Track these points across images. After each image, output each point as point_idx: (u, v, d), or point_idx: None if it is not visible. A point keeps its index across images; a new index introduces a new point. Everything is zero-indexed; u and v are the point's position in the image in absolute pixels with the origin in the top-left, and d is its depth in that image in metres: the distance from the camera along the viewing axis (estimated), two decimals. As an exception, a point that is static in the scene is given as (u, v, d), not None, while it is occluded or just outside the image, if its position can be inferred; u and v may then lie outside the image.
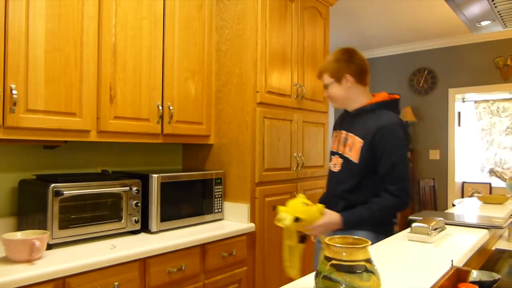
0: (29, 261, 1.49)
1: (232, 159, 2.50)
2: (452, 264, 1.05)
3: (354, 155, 1.77)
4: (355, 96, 1.83)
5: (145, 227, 2.08)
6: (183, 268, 1.94)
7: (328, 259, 0.82)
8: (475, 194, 5.50)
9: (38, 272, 1.41)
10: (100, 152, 2.34)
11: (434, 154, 5.49)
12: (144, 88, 2.14)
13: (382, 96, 1.84)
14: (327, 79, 1.86)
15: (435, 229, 1.49)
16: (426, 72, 5.52)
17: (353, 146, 1.79)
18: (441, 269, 1.13)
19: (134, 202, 2.01)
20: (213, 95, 2.58)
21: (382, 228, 1.78)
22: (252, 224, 2.37)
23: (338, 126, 1.98)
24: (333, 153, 1.93)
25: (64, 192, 1.72)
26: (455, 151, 5.34)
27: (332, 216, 1.66)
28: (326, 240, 0.84)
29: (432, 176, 5.43)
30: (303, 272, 1.42)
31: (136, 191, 2.02)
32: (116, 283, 1.65)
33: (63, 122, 1.80)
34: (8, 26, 1.61)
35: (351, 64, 1.81)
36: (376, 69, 5.95)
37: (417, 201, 5.57)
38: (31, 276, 1.39)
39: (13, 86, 1.62)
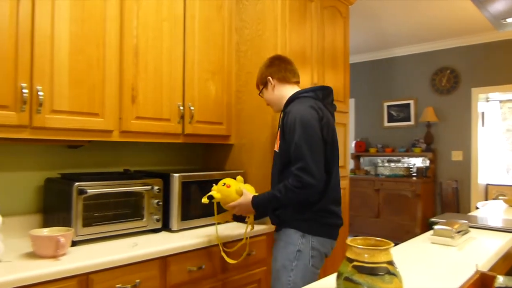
0: (54, 256, 1.53)
1: (252, 159, 2.51)
2: (477, 269, 1.03)
3: (276, 145, 1.90)
4: (283, 95, 1.93)
5: (166, 226, 2.11)
6: (203, 267, 1.95)
7: (350, 260, 0.82)
8: (500, 197, 5.36)
9: (63, 267, 1.45)
10: (122, 151, 2.38)
11: (457, 155, 5.37)
12: (165, 89, 2.16)
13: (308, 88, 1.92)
14: (259, 87, 2.04)
15: (459, 232, 1.46)
16: (448, 71, 5.42)
17: (276, 138, 1.91)
18: (465, 274, 1.11)
19: (156, 201, 2.04)
20: (233, 95, 2.59)
21: (312, 228, 1.76)
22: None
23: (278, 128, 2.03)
24: None
25: (88, 191, 1.76)
26: (478, 152, 5.22)
27: (246, 197, 1.81)
28: (348, 241, 0.83)
29: (455, 178, 5.32)
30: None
31: (158, 190, 2.05)
32: (137, 281, 1.68)
33: (86, 122, 1.84)
34: (35, 30, 1.66)
35: (271, 67, 1.97)
36: (397, 69, 5.87)
37: (439, 203, 5.47)
38: (57, 271, 1.43)
39: (39, 87, 1.67)
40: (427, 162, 5.57)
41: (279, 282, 1.78)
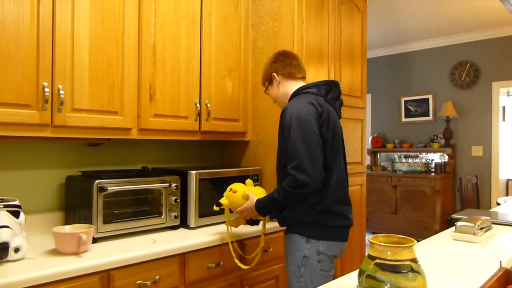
0: (76, 253, 1.56)
1: (268, 156, 2.51)
2: (500, 265, 1.01)
3: (277, 143, 1.86)
4: (288, 91, 1.90)
5: (184, 223, 2.12)
6: (221, 263, 1.96)
7: (371, 258, 0.81)
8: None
9: (85, 264, 1.47)
10: (140, 149, 2.40)
11: (477, 151, 5.27)
12: (182, 87, 2.17)
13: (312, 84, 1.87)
14: (265, 84, 2.01)
15: (481, 228, 1.43)
16: (468, 65, 5.31)
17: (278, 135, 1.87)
18: (488, 270, 1.09)
19: (174, 198, 2.06)
20: (250, 92, 2.59)
21: (316, 232, 1.70)
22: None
23: None
24: None
25: (108, 188, 1.78)
26: (499, 147, 5.11)
27: (251, 201, 1.80)
28: (370, 239, 0.82)
29: (474, 173, 5.22)
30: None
31: (175, 187, 2.06)
32: (157, 277, 1.70)
33: (106, 120, 1.86)
34: (55, 30, 1.68)
35: (275, 63, 1.93)
36: (416, 63, 5.78)
37: (458, 199, 5.38)
38: (79, 268, 1.45)
39: (60, 86, 1.69)
40: (446, 158, 5.47)
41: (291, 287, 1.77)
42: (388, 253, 0.78)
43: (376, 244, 0.79)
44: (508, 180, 5.32)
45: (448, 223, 5.26)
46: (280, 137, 1.81)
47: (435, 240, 1.53)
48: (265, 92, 2.02)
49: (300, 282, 1.70)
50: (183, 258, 1.83)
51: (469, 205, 4.48)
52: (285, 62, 1.92)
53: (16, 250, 1.45)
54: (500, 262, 1.02)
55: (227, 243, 1.99)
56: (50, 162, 2.02)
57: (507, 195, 5.28)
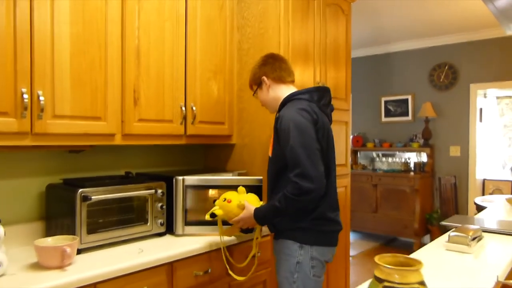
0: (60, 267, 1.49)
1: (254, 159, 2.48)
2: (497, 279, 1.01)
3: (270, 150, 1.84)
4: (279, 95, 1.86)
5: (170, 229, 2.07)
6: (209, 271, 1.93)
7: (379, 280, 0.79)
8: (506, 198, 5.39)
9: (70, 279, 1.41)
10: (123, 154, 2.33)
11: (455, 151, 5.39)
12: (167, 90, 2.12)
13: (303, 89, 1.85)
14: (253, 88, 1.97)
15: (473, 238, 1.44)
16: (446, 67, 5.41)
17: (271, 141, 1.84)
18: (485, 284, 1.09)
19: (159, 204, 2.00)
20: (235, 95, 2.55)
21: (309, 238, 1.71)
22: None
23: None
24: None
25: (92, 197, 1.72)
26: (476, 148, 5.24)
27: (248, 211, 1.76)
28: (376, 259, 0.81)
29: (452, 173, 5.34)
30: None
31: (161, 194, 2.01)
32: (145, 288, 1.65)
33: (89, 126, 1.79)
34: (34, 32, 1.60)
35: (265, 66, 1.89)
36: (396, 64, 5.86)
37: (437, 198, 5.49)
38: (64, 283, 1.39)
39: (40, 92, 1.61)
40: (425, 157, 5.57)
41: None
42: (396, 276, 0.76)
43: (383, 266, 0.78)
44: (484, 179, 5.47)
45: (426, 221, 5.37)
46: (276, 144, 1.77)
47: (428, 250, 1.53)
48: (253, 95, 1.99)
49: None
50: (170, 267, 1.78)
51: (447, 205, 4.57)
52: (274, 66, 1.89)
53: (-4, 265, 1.38)
54: (497, 276, 1.03)
55: (215, 250, 1.95)
56: (29, 170, 1.93)
57: (483, 194, 5.43)
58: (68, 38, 1.71)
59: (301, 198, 1.59)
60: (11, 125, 1.55)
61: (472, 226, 1.53)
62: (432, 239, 5.40)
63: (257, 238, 1.97)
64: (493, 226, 1.83)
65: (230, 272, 1.93)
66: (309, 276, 1.70)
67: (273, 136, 1.81)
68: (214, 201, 1.90)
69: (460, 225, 1.65)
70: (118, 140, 1.93)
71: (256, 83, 1.93)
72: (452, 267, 1.32)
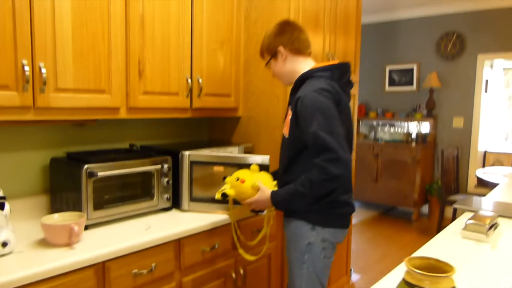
0: (68, 244, 1.48)
1: (260, 132, 2.43)
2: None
3: (286, 130, 1.72)
4: (296, 69, 1.74)
5: (176, 204, 2.05)
6: (216, 246, 1.93)
7: (409, 285, 0.76)
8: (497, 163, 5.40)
9: (80, 258, 1.40)
10: (126, 126, 2.28)
11: (458, 122, 5.34)
12: (173, 61, 2.04)
13: (323, 64, 1.71)
14: (266, 57, 1.82)
15: (491, 227, 1.41)
16: (454, 36, 5.27)
17: (286, 120, 1.73)
18: (508, 278, 1.07)
19: (166, 179, 1.97)
20: (241, 67, 2.47)
21: (322, 220, 1.65)
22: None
23: (288, 103, 1.84)
24: None
25: (98, 174, 1.68)
26: (480, 119, 5.19)
27: (264, 194, 1.68)
28: (406, 261, 0.78)
29: (454, 144, 5.32)
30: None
31: (167, 169, 1.98)
32: (153, 264, 1.64)
33: (93, 100, 1.73)
34: (33, 2, 1.50)
35: (282, 35, 1.74)
36: (401, 33, 5.70)
37: (437, 169, 5.50)
38: (74, 262, 1.38)
39: (41, 64, 1.54)
40: (428, 128, 5.53)
41: (292, 273, 1.74)
42: (427, 282, 0.73)
43: (414, 272, 0.74)
44: (485, 151, 5.46)
45: (426, 192, 5.40)
46: (294, 126, 1.66)
47: (444, 238, 1.49)
48: (265, 65, 1.84)
49: (303, 268, 1.68)
50: (178, 243, 1.77)
51: (448, 176, 4.58)
52: (292, 36, 1.73)
53: (4, 244, 1.36)
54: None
55: (222, 226, 1.95)
56: (32, 143, 1.88)
57: (483, 166, 5.44)
58: (69, 7, 1.61)
59: (329, 183, 1.51)
60: (13, 99, 1.49)
61: (488, 213, 1.50)
62: (430, 209, 5.46)
63: (268, 218, 1.95)
64: (506, 210, 1.80)
65: (241, 252, 1.93)
66: (319, 257, 1.67)
67: (291, 117, 1.68)
68: (224, 178, 1.84)
69: (472, 208, 1.63)
70: (123, 114, 1.87)
71: (270, 53, 1.78)
72: (470, 258, 1.30)
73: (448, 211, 4.97)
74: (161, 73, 1.99)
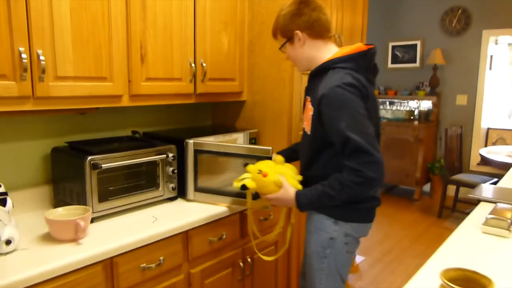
0: (74, 240, 1.43)
1: (266, 117, 2.36)
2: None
3: (307, 125, 1.58)
4: (315, 55, 1.57)
5: (180, 193, 2.00)
6: (224, 236, 1.89)
7: (449, 299, 0.72)
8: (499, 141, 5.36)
9: (88, 254, 1.35)
10: (128, 113, 2.20)
11: (462, 99, 5.27)
12: (176, 45, 1.95)
13: (347, 50, 1.53)
14: (280, 39, 1.63)
15: (513, 221, 1.36)
16: (460, 11, 5.13)
17: (307, 115, 1.59)
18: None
19: (171, 169, 1.92)
20: (246, 48, 2.37)
21: (346, 215, 1.55)
22: (288, 186, 2.28)
23: (305, 91, 1.70)
24: None
25: (103, 166, 1.62)
26: (483, 96, 5.12)
27: (287, 193, 1.55)
28: (441, 275, 0.73)
29: (457, 122, 5.27)
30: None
31: (172, 158, 1.92)
32: (161, 258, 1.61)
33: (94, 88, 1.65)
34: (28, -19, 1.41)
35: (300, 17, 1.54)
36: (406, 7, 5.54)
37: (439, 147, 5.47)
38: (82, 259, 1.33)
39: (39, 51, 1.45)
40: (431, 106, 5.46)
41: (311, 267, 1.65)
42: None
43: (449, 286, 0.70)
44: (488, 128, 5.41)
45: (428, 170, 5.38)
46: (316, 123, 1.51)
47: (464, 233, 1.44)
48: (279, 49, 1.68)
49: (324, 263, 1.60)
50: (186, 235, 1.73)
51: (452, 155, 4.55)
52: (311, 17, 1.53)
53: (8, 242, 1.31)
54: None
55: (229, 216, 1.91)
56: (31, 132, 1.81)
57: (486, 143, 5.40)
58: (65, -12, 1.51)
59: (362, 187, 1.39)
60: (11, 88, 1.41)
61: (508, 206, 1.45)
62: (432, 188, 5.45)
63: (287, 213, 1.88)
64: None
65: (259, 254, 1.89)
66: (341, 252, 1.59)
67: (312, 113, 1.52)
68: (246, 165, 1.70)
69: (490, 197, 1.59)
70: (125, 102, 1.80)
71: (286, 36, 1.60)
72: (493, 256, 1.26)
73: (451, 190, 4.96)
74: (164, 58, 1.90)
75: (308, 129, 1.59)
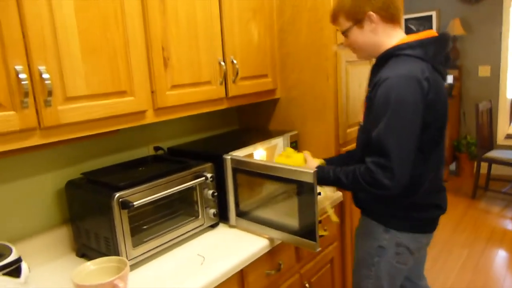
0: (112, 306, 1.12)
1: (305, 116, 2.03)
2: None
3: (361, 115, 1.46)
4: (383, 41, 1.37)
5: (222, 217, 1.68)
6: (281, 266, 1.59)
7: None
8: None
9: (134, 330, 1.04)
10: (147, 127, 1.86)
11: (484, 71, 4.94)
12: (202, 41, 1.60)
13: (415, 37, 1.34)
14: (343, 23, 1.42)
15: None
16: (478, -25, 4.75)
17: (363, 104, 1.45)
18: None
19: (210, 192, 1.59)
20: (276, 37, 2.03)
21: (399, 224, 1.40)
22: (339, 193, 1.98)
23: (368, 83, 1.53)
24: None
25: (134, 203, 1.29)
26: (508, 66, 4.79)
27: (310, 165, 1.54)
28: None
29: (480, 96, 4.95)
30: None
31: (211, 179, 1.59)
32: (217, 309, 1.30)
33: (113, 106, 1.31)
34: (18, -24, 1.06)
35: None
36: (418, -24, 5.15)
37: (466, 124, 5.17)
38: None
39: (42, 68, 1.11)
40: (452, 80, 5.13)
41: (359, 273, 1.54)
42: None
43: None
44: (513, 99, 5.09)
45: (454, 148, 5.09)
46: (366, 114, 1.37)
47: None
48: (343, 33, 1.44)
49: (371, 271, 1.47)
50: (241, 274, 1.43)
51: (482, 131, 4.25)
52: None
53: (29, 326, 0.99)
54: None
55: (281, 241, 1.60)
56: (38, 164, 1.47)
57: (511, 116, 5.09)
58: (66, -18, 1.16)
59: (370, 189, 1.29)
60: (10, 121, 1.07)
61: None
62: (459, 167, 5.16)
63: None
64: None
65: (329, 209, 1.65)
66: (391, 263, 1.43)
67: (366, 102, 1.38)
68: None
69: None
70: (150, 118, 1.46)
71: (354, 19, 1.38)
72: None
73: (483, 168, 4.68)
74: (190, 59, 1.56)
75: (361, 119, 1.46)
